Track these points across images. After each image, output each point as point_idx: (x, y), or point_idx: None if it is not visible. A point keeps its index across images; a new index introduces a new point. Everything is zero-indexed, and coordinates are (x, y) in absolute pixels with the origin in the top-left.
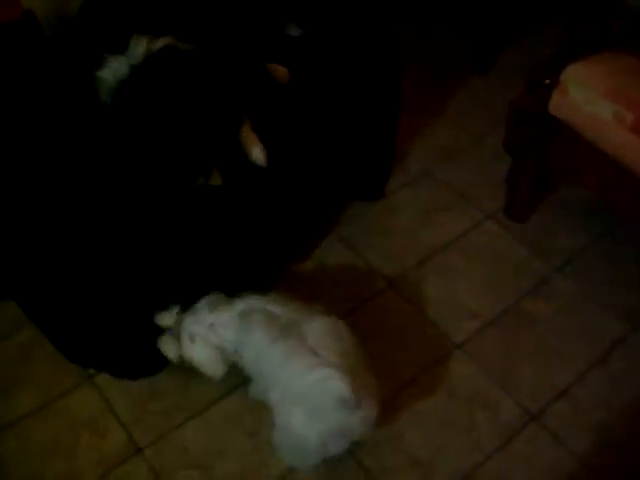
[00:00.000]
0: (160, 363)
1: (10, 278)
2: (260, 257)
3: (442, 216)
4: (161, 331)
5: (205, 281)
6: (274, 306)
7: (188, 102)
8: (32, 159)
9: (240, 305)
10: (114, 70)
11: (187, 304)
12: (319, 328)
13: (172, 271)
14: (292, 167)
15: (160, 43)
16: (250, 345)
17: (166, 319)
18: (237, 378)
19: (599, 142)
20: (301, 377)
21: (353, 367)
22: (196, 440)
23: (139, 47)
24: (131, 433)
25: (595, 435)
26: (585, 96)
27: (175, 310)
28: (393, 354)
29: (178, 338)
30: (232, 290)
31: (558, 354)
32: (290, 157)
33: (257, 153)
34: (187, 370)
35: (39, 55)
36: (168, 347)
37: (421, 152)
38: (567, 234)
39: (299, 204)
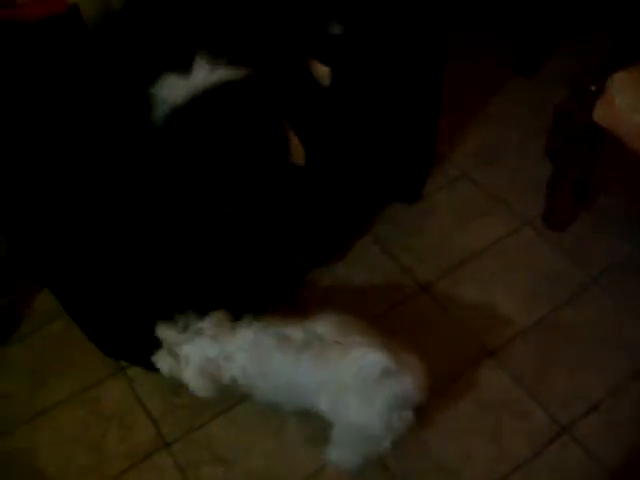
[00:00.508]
0: None
1: (46, 268)
2: (295, 257)
3: (479, 221)
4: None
5: (229, 284)
6: (284, 329)
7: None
8: (77, 159)
9: (247, 334)
10: (170, 92)
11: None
12: (332, 323)
13: (202, 273)
14: (331, 167)
15: (218, 75)
16: (269, 375)
17: (166, 333)
18: None
19: None
20: (339, 369)
21: (380, 341)
22: (222, 437)
23: (199, 74)
24: (159, 427)
25: (627, 452)
26: (632, 105)
27: (177, 324)
28: (424, 359)
29: (174, 354)
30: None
31: (592, 366)
32: (329, 157)
33: (299, 154)
34: None
35: (83, 51)
36: (162, 361)
37: (461, 155)
38: (606, 245)
39: (337, 204)
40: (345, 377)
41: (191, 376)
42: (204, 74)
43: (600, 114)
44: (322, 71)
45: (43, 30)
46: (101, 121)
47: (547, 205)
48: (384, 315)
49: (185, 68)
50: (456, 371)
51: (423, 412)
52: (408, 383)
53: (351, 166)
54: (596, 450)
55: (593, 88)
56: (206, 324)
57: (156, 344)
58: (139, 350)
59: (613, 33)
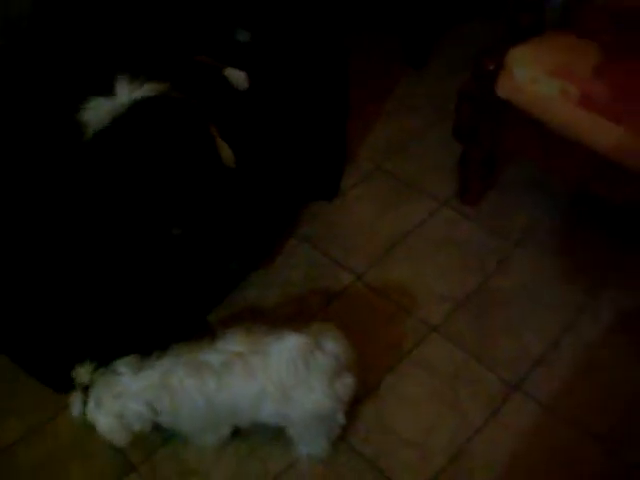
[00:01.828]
0: None
1: None
2: (230, 263)
3: (399, 208)
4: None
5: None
6: (197, 355)
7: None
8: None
9: (154, 370)
10: (96, 114)
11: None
12: (240, 336)
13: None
14: (253, 170)
15: (141, 92)
16: (187, 406)
17: (80, 375)
18: None
19: (547, 119)
20: (266, 373)
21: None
22: (189, 448)
23: (122, 93)
24: (123, 451)
25: (575, 397)
26: (530, 76)
27: (91, 366)
28: (371, 343)
29: (87, 396)
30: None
31: (529, 326)
32: (251, 160)
33: (228, 156)
34: None
35: None
36: (74, 403)
37: (370, 149)
38: (520, 212)
39: (262, 206)
40: (274, 376)
41: (103, 419)
42: (127, 93)
43: (502, 88)
44: (238, 76)
45: None
46: (30, 151)
47: (460, 183)
48: (325, 308)
49: (107, 90)
50: (405, 350)
51: (380, 392)
52: (332, 348)
53: (271, 167)
54: (547, 400)
55: (492, 66)
56: (121, 364)
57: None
58: None
59: (491, 17)
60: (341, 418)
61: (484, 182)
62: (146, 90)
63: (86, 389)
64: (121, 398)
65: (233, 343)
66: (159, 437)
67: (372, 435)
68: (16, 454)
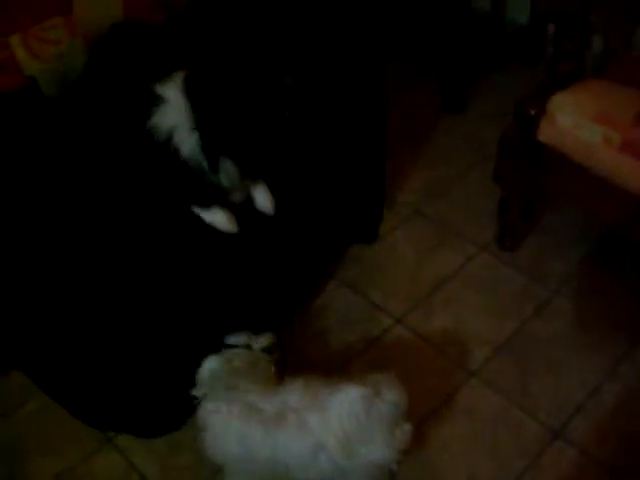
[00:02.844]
0: (181, 417)
1: (15, 347)
2: (275, 304)
3: (437, 252)
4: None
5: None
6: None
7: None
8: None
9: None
10: (166, 115)
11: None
12: (299, 390)
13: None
14: (292, 215)
15: (179, 77)
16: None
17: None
18: None
19: (589, 164)
20: (325, 429)
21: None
22: None
23: (169, 90)
24: None
25: (618, 443)
26: (573, 122)
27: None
28: (410, 388)
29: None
30: None
31: (569, 371)
32: (291, 205)
33: (267, 203)
34: None
35: (46, 121)
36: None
37: (409, 192)
38: (560, 257)
39: (303, 249)
40: (338, 430)
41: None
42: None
43: (544, 134)
44: (264, 198)
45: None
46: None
47: (499, 228)
48: (364, 352)
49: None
50: (445, 394)
51: (422, 438)
52: (391, 397)
53: (312, 210)
54: (589, 448)
55: (533, 112)
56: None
57: (144, 408)
58: (127, 417)
59: (528, 62)
60: (394, 466)
61: (524, 227)
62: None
63: None
64: None
65: (290, 396)
66: (198, 478)
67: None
68: None
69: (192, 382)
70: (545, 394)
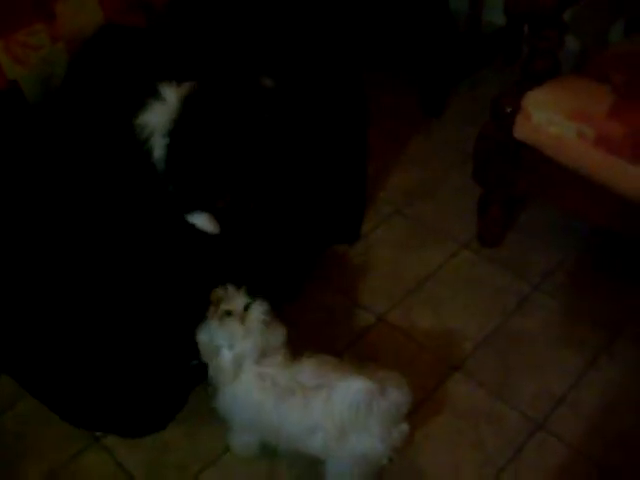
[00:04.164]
0: (167, 416)
1: (1, 351)
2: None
3: (419, 251)
4: (164, 384)
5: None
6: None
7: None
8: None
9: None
10: (158, 114)
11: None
12: (311, 367)
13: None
14: (275, 215)
15: (188, 88)
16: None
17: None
18: None
19: (564, 160)
20: (327, 410)
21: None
22: None
23: (172, 92)
24: None
25: (600, 435)
26: (548, 118)
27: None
28: None
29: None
30: None
31: (550, 364)
32: (273, 206)
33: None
34: (195, 419)
35: (28, 126)
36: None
37: (390, 193)
38: (540, 253)
39: (282, 251)
40: (336, 416)
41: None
42: (173, 93)
43: (520, 131)
44: (203, 223)
45: None
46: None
47: (480, 226)
48: (346, 350)
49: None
50: (427, 389)
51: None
52: (396, 397)
53: (293, 211)
54: (571, 439)
55: (509, 110)
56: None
57: (130, 409)
58: (113, 418)
59: (508, 62)
60: (385, 462)
61: (504, 224)
62: (188, 88)
63: None
64: None
65: (302, 373)
66: (185, 476)
67: (398, 475)
68: None
69: (178, 380)
70: (527, 387)
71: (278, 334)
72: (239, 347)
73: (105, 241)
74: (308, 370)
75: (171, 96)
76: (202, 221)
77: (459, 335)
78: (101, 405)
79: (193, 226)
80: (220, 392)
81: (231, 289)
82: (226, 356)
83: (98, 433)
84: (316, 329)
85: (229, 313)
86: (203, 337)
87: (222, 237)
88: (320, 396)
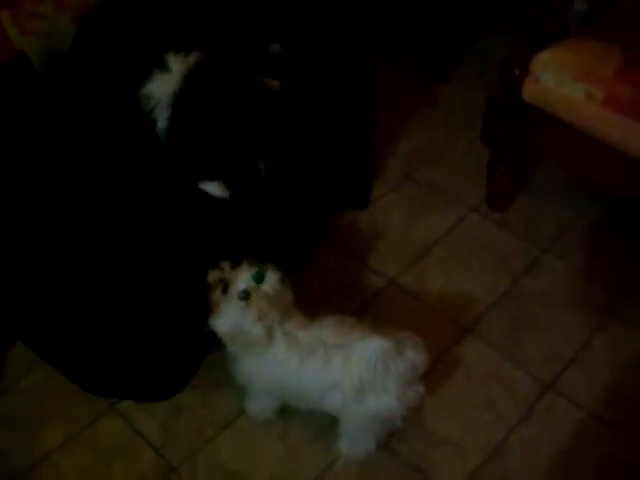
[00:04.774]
0: (181, 381)
1: (16, 318)
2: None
3: (428, 215)
4: (178, 349)
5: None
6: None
7: (235, 107)
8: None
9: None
10: (162, 85)
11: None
12: (331, 326)
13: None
14: (285, 179)
15: (194, 58)
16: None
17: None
18: None
19: (572, 121)
20: (346, 369)
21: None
22: (230, 451)
23: (178, 63)
24: (163, 454)
25: (609, 395)
26: (556, 80)
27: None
28: None
29: None
30: None
31: (560, 326)
32: (283, 171)
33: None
34: (209, 384)
35: (35, 95)
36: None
37: (399, 158)
38: (549, 216)
39: (292, 214)
40: (354, 374)
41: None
42: (179, 64)
43: (528, 93)
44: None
45: None
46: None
47: (488, 189)
48: (358, 312)
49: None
50: (439, 351)
51: None
52: (412, 357)
53: (303, 176)
54: (581, 399)
55: (517, 72)
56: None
57: (145, 373)
58: (128, 383)
59: (515, 24)
60: (398, 423)
61: (512, 187)
62: (194, 58)
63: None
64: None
65: (323, 331)
66: (200, 438)
67: (408, 434)
68: (57, 461)
69: (191, 345)
70: (536, 349)
71: (289, 293)
72: (266, 319)
73: (116, 207)
74: (328, 329)
75: (176, 67)
76: (211, 187)
77: (470, 298)
78: (116, 371)
79: (203, 193)
80: (241, 362)
81: (226, 266)
82: (257, 331)
83: (113, 399)
84: (328, 293)
85: (246, 292)
86: (225, 323)
87: (232, 204)
88: (340, 354)
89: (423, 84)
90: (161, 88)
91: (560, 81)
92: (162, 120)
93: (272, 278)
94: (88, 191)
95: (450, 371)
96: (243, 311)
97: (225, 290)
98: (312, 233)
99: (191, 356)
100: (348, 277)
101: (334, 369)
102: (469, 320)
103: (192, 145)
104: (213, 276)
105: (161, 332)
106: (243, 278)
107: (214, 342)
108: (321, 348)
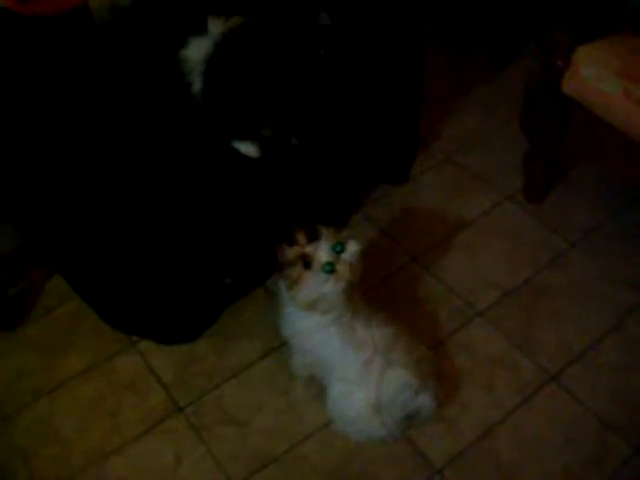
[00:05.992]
0: (199, 329)
1: (55, 255)
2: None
3: (463, 198)
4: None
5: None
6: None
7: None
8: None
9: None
10: (198, 49)
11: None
12: (386, 335)
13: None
14: (324, 145)
15: (234, 21)
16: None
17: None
18: (271, 342)
19: (609, 117)
20: (377, 381)
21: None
22: (233, 399)
23: (217, 27)
24: (172, 393)
25: (611, 395)
26: (596, 74)
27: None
28: (420, 320)
29: None
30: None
31: (575, 321)
32: (323, 136)
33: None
34: (224, 336)
35: (95, 46)
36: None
37: (444, 140)
38: (582, 212)
39: (333, 184)
40: (377, 393)
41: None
42: (218, 27)
43: (568, 85)
44: (246, 148)
45: (58, 24)
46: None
47: (526, 179)
48: (378, 285)
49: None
50: (450, 330)
51: None
52: (423, 401)
53: (347, 147)
54: (582, 395)
55: (560, 63)
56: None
57: (167, 317)
58: (149, 324)
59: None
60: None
61: (549, 179)
62: (232, 23)
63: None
64: None
65: (379, 335)
66: (209, 384)
67: None
68: (75, 386)
69: (212, 295)
70: (547, 340)
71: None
72: (348, 285)
73: (150, 157)
74: (384, 337)
75: (216, 30)
76: (244, 146)
77: (488, 282)
78: (140, 310)
79: (235, 152)
80: (295, 320)
81: (303, 240)
82: (343, 298)
83: (135, 337)
84: None
85: (332, 265)
86: (311, 295)
87: (265, 165)
88: (378, 364)
89: (477, 69)
90: (198, 51)
91: (600, 76)
92: (197, 82)
93: (353, 248)
94: (129, 140)
95: (457, 351)
96: (327, 282)
97: (307, 265)
98: (346, 204)
99: (211, 306)
100: (373, 250)
101: (371, 381)
102: (483, 304)
103: (228, 100)
104: (293, 252)
105: (185, 279)
106: (324, 251)
107: (234, 295)
108: (369, 349)
